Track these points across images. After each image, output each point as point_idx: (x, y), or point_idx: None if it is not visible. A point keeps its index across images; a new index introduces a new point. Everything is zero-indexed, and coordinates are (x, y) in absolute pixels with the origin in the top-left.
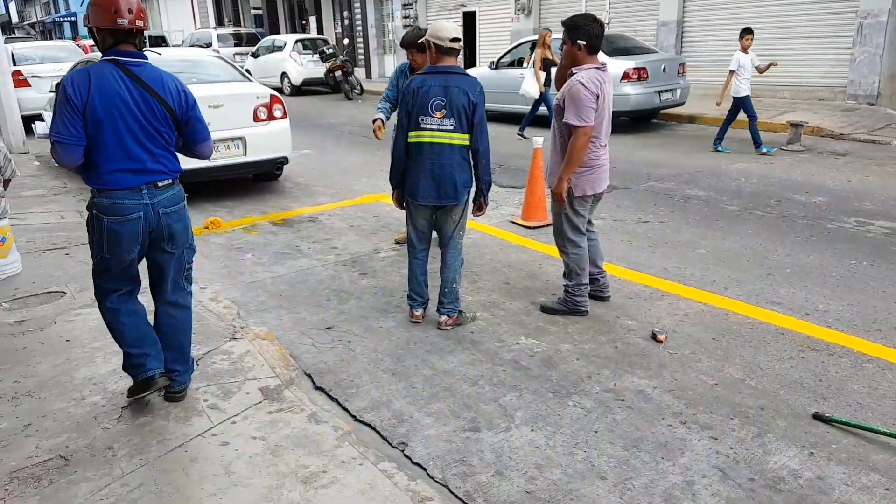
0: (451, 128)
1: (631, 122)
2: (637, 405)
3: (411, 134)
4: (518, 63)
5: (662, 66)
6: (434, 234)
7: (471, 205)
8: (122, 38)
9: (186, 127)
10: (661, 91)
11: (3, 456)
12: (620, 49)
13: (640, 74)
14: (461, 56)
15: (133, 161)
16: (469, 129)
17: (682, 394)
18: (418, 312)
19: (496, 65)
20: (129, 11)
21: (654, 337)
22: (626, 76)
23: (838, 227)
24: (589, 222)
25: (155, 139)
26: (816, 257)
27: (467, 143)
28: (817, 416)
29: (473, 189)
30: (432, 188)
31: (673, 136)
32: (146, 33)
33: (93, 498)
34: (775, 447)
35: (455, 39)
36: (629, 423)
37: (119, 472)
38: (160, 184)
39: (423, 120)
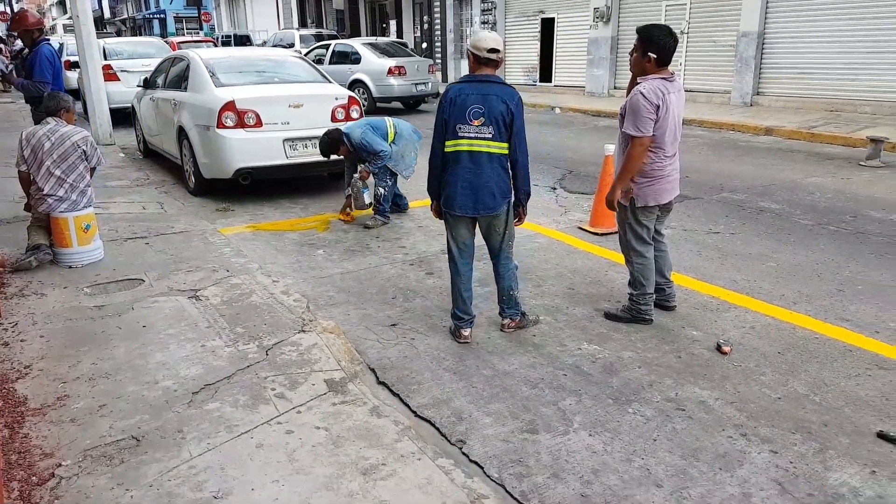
0: (490, 136)
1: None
2: (697, 415)
3: (448, 143)
4: (317, 61)
5: (416, 66)
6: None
7: (513, 212)
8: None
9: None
10: (417, 84)
11: (78, 434)
12: (390, 52)
13: (399, 71)
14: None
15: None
16: (507, 138)
17: (744, 406)
18: (466, 332)
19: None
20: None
21: (718, 348)
22: (390, 72)
23: None
24: (658, 232)
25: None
26: (890, 275)
27: (506, 151)
28: (881, 435)
29: (513, 198)
30: (469, 198)
31: (748, 147)
32: (231, 31)
33: (161, 478)
34: (836, 464)
35: (492, 50)
36: (688, 433)
37: (187, 455)
38: None
39: (460, 128)
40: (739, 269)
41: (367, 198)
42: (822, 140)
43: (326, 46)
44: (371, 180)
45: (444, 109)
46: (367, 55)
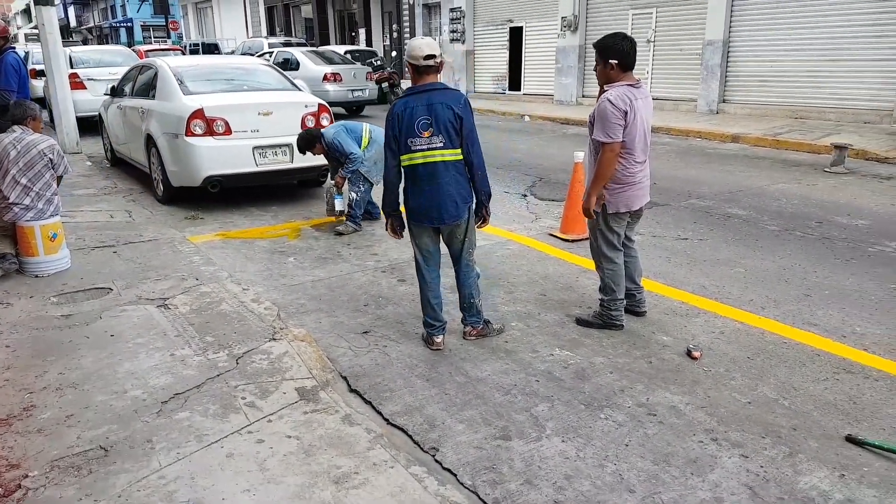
0: (441, 145)
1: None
2: (669, 420)
3: (403, 158)
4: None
5: (353, 73)
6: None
7: (474, 218)
8: (6, 41)
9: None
10: (353, 90)
11: (45, 444)
12: (332, 60)
13: (335, 77)
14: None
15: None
16: (460, 143)
17: (715, 411)
18: (438, 339)
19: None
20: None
21: (688, 353)
22: (325, 78)
23: (879, 251)
24: (628, 238)
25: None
26: (856, 280)
27: (461, 157)
28: (850, 439)
29: (474, 202)
30: (433, 209)
31: (715, 154)
32: (199, 40)
33: (130, 489)
34: (806, 468)
35: (429, 57)
36: (660, 438)
37: (157, 465)
38: None
39: (412, 142)
40: (708, 274)
41: (339, 205)
42: (788, 147)
43: (270, 54)
44: (346, 188)
45: (392, 126)
46: (306, 62)
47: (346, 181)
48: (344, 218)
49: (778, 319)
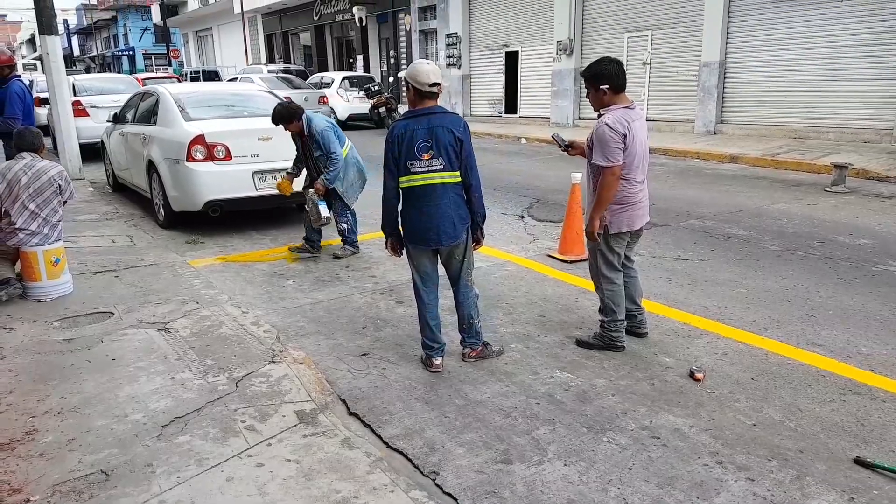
0: (441, 167)
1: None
2: (673, 443)
3: (402, 179)
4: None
5: (305, 97)
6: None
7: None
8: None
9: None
10: None
11: (46, 469)
12: (297, 87)
13: (287, 101)
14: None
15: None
16: (459, 165)
17: (720, 433)
18: (437, 361)
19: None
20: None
21: (691, 375)
22: None
23: (883, 270)
24: (628, 258)
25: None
26: (860, 300)
27: (459, 179)
28: (858, 461)
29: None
30: (431, 230)
31: (714, 175)
32: (200, 67)
33: None
34: (814, 491)
35: (434, 84)
36: (664, 462)
37: (157, 489)
38: None
39: (411, 164)
40: (710, 295)
41: (325, 211)
42: (787, 167)
43: (235, 78)
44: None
45: (392, 148)
46: (262, 86)
47: (332, 212)
48: (336, 228)
49: (781, 340)
